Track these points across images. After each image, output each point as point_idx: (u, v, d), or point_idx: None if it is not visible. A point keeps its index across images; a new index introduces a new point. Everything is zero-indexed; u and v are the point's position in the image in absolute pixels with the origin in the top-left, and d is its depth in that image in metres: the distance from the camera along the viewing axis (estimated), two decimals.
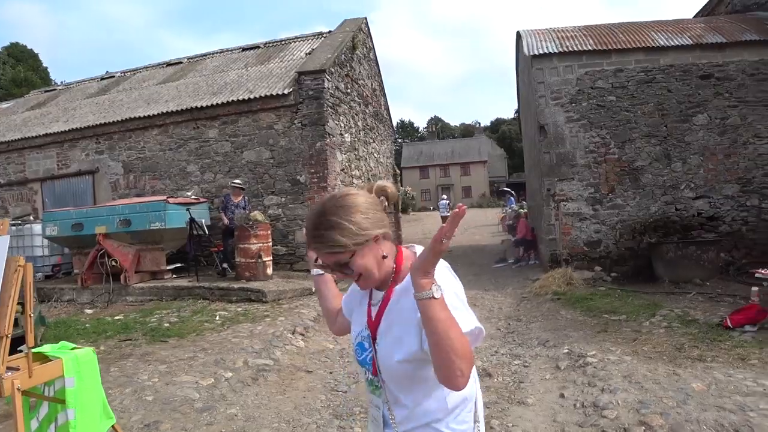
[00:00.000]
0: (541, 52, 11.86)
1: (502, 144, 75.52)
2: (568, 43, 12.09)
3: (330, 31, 16.25)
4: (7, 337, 2.95)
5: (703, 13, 16.65)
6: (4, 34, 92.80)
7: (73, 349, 3.60)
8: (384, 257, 1.52)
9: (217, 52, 18.47)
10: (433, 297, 1.29)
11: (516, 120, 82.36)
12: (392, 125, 20.74)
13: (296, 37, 17.35)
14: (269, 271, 10.20)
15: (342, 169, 13.05)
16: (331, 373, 6.21)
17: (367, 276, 1.53)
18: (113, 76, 19.65)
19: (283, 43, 17.25)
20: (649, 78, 11.45)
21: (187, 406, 5.05)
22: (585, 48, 11.75)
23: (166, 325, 8.09)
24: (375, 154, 16.96)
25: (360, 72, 15.56)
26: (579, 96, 11.58)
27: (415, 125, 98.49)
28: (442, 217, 26.78)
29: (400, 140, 78.61)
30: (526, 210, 19.19)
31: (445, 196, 30.61)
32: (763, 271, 6.94)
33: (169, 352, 6.68)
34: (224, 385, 5.60)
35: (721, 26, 12.23)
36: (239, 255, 10.02)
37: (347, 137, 13.77)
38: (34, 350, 3.21)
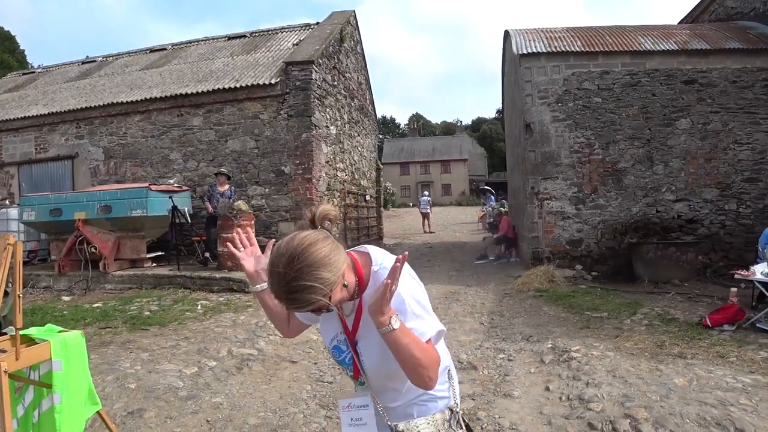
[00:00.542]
0: (529, 51, 11.93)
1: (482, 143, 75.91)
2: (556, 44, 12.18)
3: (318, 23, 16.16)
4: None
5: (688, 20, 16.92)
6: None
7: (60, 332, 3.51)
8: (345, 285, 1.57)
9: (201, 40, 18.26)
10: (393, 329, 1.47)
11: (497, 120, 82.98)
12: (377, 120, 20.72)
13: (283, 28, 17.22)
14: None
15: (327, 162, 13.00)
16: (315, 363, 6.18)
17: (341, 304, 1.65)
18: (95, 61, 19.31)
19: (269, 33, 17.10)
20: (634, 81, 11.59)
21: (171, 394, 4.99)
22: (573, 49, 11.85)
23: (147, 313, 7.99)
24: (359, 148, 16.93)
25: (347, 65, 15.50)
26: (565, 96, 11.68)
27: (396, 121, 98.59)
28: (422, 213, 26.78)
29: (381, 136, 78.56)
30: (506, 209, 19.32)
31: (426, 193, 30.58)
32: (741, 272, 7.08)
33: (150, 340, 6.60)
34: (208, 374, 5.54)
35: (705, 33, 12.43)
36: (222, 244, 9.92)
37: (333, 130, 13.71)
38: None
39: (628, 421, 4.04)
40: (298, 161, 11.79)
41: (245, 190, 12.02)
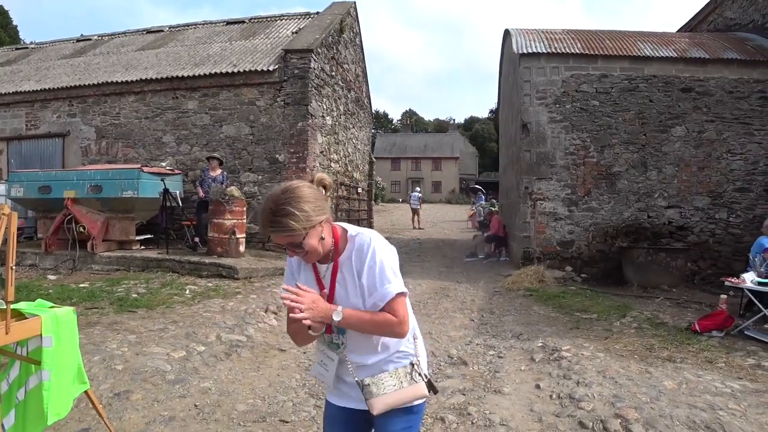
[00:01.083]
0: (529, 51, 11.92)
1: (474, 142, 76.03)
2: (556, 45, 12.18)
3: (317, 12, 16.05)
4: None
5: (687, 29, 17.00)
6: None
7: (51, 307, 3.42)
8: (322, 238, 1.88)
9: (200, 24, 18.07)
10: (339, 320, 1.85)
11: (490, 120, 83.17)
12: (372, 113, 20.66)
13: (282, 15, 17.09)
14: (242, 248, 10.05)
15: (321, 152, 12.93)
16: (304, 353, 6.13)
17: (313, 252, 1.88)
18: (90, 39, 19.03)
19: (268, 20, 16.96)
20: (632, 86, 11.62)
21: (158, 377, 4.93)
22: (573, 51, 11.86)
23: (134, 295, 7.90)
24: (354, 140, 16.87)
25: (345, 56, 15.42)
26: (563, 98, 11.68)
27: (389, 116, 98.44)
28: (412, 209, 26.76)
29: (373, 130, 78.45)
30: (496, 208, 19.36)
31: (418, 189, 30.57)
32: (731, 279, 7.13)
33: (137, 322, 6.52)
34: (197, 358, 5.49)
35: (704, 42, 12.49)
36: (212, 230, 9.84)
37: (329, 120, 13.64)
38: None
39: (619, 421, 4.04)
40: (292, 150, 11.71)
41: (238, 177, 11.92)
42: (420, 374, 2.03)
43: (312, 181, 1.94)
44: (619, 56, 11.77)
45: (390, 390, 1.95)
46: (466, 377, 5.32)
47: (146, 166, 10.88)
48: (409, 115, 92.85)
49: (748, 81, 11.37)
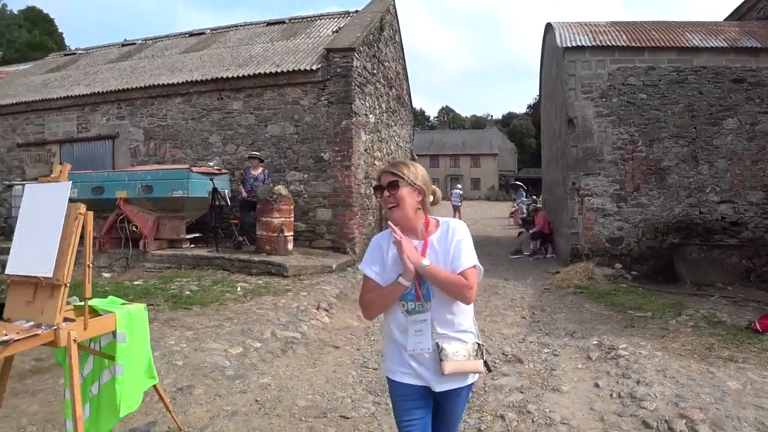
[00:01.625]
0: (574, 44, 11.73)
1: (512, 138, 75.22)
2: (601, 38, 11.95)
3: (357, 11, 16.10)
4: (66, 285, 2.90)
5: (734, 17, 16.44)
6: None
7: (123, 304, 3.53)
8: (418, 209, 2.39)
9: (240, 25, 18.32)
10: (427, 265, 2.27)
11: (528, 116, 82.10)
12: (413, 110, 20.63)
13: (322, 15, 17.19)
14: (290, 246, 10.18)
15: (365, 150, 12.97)
16: (358, 350, 6.19)
17: (402, 208, 2.36)
18: (134, 44, 19.48)
19: (308, 19, 17.09)
20: (681, 78, 11.33)
21: (218, 372, 5.04)
22: (618, 44, 11.62)
23: (188, 293, 8.07)
24: (396, 138, 16.88)
25: (386, 54, 15.43)
26: (609, 91, 11.47)
27: (426, 113, 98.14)
28: (453, 206, 26.62)
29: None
30: (539, 204, 19.13)
31: (459, 186, 30.43)
32: None
33: (193, 319, 6.67)
34: (253, 354, 5.59)
35: (755, 31, 12.08)
36: (261, 228, 9.98)
37: (372, 118, 13.68)
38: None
39: (684, 421, 3.97)
40: (337, 148, 11.79)
41: (284, 176, 12.05)
42: (482, 354, 2.41)
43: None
44: (666, 47, 11.48)
45: (460, 358, 2.31)
46: (523, 375, 5.28)
47: (195, 166, 11.09)
48: (446, 111, 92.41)
49: None
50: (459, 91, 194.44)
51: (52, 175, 3.23)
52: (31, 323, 2.93)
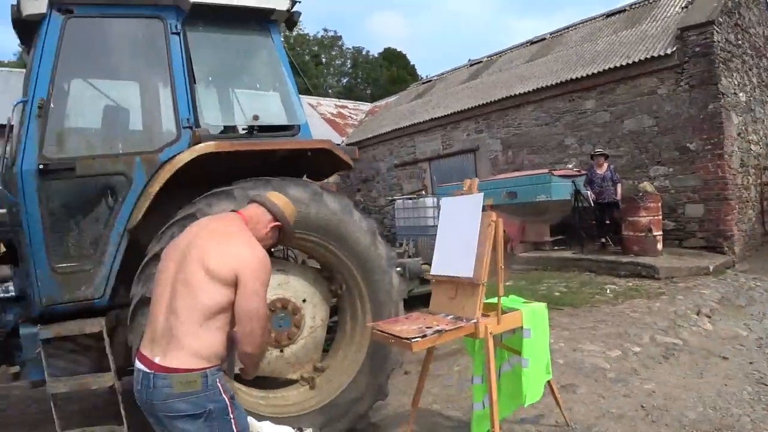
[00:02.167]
0: None
1: None
2: None
3: None
4: (483, 285, 3.35)
5: None
6: (378, 42, 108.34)
7: (524, 302, 3.90)
8: None
9: (578, 24, 17.94)
10: None
11: None
12: None
13: None
14: (659, 246, 9.60)
15: (738, 134, 11.44)
16: (751, 363, 5.54)
17: None
18: (480, 62, 20.84)
19: (650, 2, 15.80)
20: None
21: (599, 374, 5.15)
22: None
23: (557, 294, 8.36)
24: None
25: (749, 19, 13.30)
26: None
27: None
28: None
29: None
30: None
31: None
32: None
33: (566, 319, 6.90)
34: (633, 359, 5.53)
35: None
36: (627, 228, 9.69)
37: (742, 96, 11.97)
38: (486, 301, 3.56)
39: None
40: (705, 136, 10.65)
41: (646, 171, 11.40)
42: None
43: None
44: None
45: None
46: None
47: (554, 169, 11.39)
48: None
49: None
50: None
51: (464, 189, 3.78)
52: (451, 317, 3.49)
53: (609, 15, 16.96)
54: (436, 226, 13.82)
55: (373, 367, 3.99)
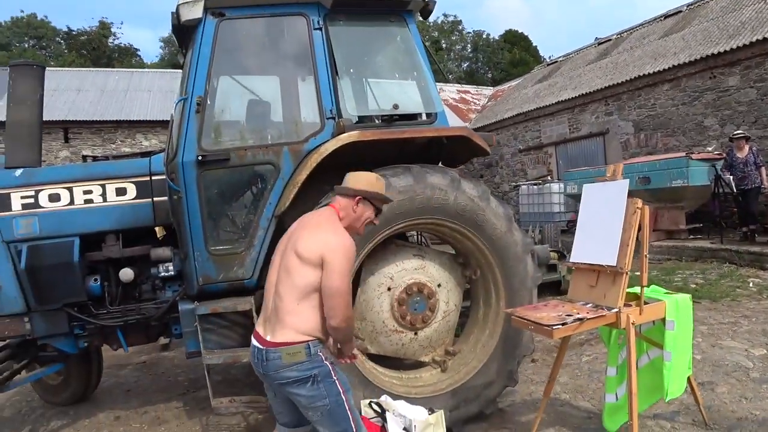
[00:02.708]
0: None
1: None
2: None
3: None
4: (626, 274, 3.26)
5: None
6: (499, 24, 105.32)
7: (666, 293, 3.74)
8: None
9: None
10: None
11: None
12: None
13: None
14: None
15: None
16: None
17: None
18: (609, 40, 19.83)
19: None
20: None
21: (740, 373, 4.87)
22: None
23: (693, 286, 7.93)
24: None
25: None
26: None
27: None
28: None
29: None
30: None
31: None
32: None
33: (704, 313, 6.54)
34: None
35: None
36: None
37: None
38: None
39: None
40: None
41: None
42: None
43: None
44: None
45: None
46: None
47: (692, 153, 10.70)
48: None
49: None
50: None
51: (607, 175, 3.69)
52: (590, 305, 3.44)
53: None
54: (562, 212, 13.59)
55: (505, 353, 4.06)
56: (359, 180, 2.77)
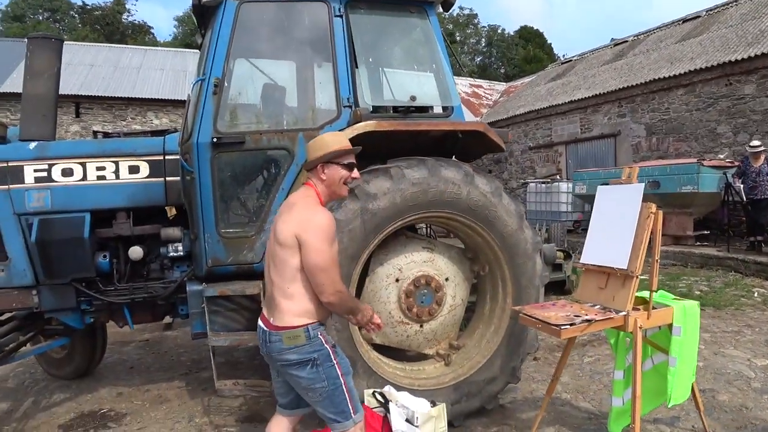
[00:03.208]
0: None
1: None
2: None
3: None
4: (637, 277, 3.22)
5: None
6: (514, 19, 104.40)
7: (674, 299, 3.69)
8: None
9: None
10: None
11: None
12: None
13: None
14: None
15: None
16: None
17: None
18: (625, 42, 19.68)
19: None
20: None
21: (742, 382, 4.87)
22: None
23: (697, 293, 7.92)
24: None
25: None
26: None
27: None
28: None
29: None
30: None
31: None
32: None
33: (707, 321, 6.53)
34: None
35: None
36: None
37: None
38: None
39: None
40: None
41: None
42: None
43: None
44: None
45: None
46: None
47: (704, 159, 10.65)
48: None
49: None
50: None
51: (622, 178, 3.67)
52: (598, 307, 3.42)
53: None
54: (570, 212, 13.54)
55: (509, 349, 4.07)
56: (313, 148, 2.71)
